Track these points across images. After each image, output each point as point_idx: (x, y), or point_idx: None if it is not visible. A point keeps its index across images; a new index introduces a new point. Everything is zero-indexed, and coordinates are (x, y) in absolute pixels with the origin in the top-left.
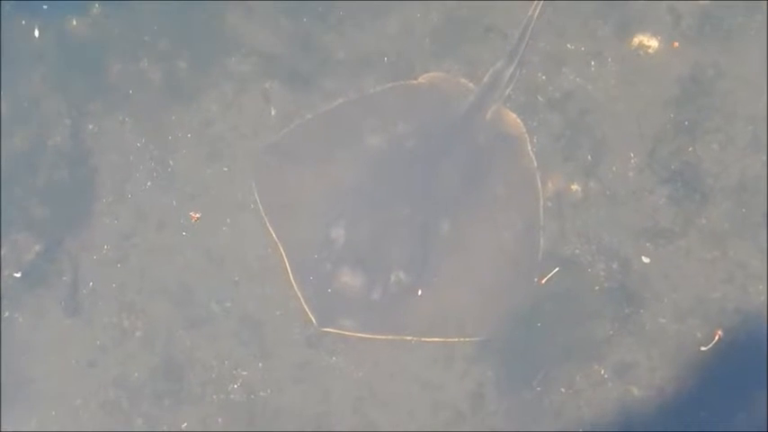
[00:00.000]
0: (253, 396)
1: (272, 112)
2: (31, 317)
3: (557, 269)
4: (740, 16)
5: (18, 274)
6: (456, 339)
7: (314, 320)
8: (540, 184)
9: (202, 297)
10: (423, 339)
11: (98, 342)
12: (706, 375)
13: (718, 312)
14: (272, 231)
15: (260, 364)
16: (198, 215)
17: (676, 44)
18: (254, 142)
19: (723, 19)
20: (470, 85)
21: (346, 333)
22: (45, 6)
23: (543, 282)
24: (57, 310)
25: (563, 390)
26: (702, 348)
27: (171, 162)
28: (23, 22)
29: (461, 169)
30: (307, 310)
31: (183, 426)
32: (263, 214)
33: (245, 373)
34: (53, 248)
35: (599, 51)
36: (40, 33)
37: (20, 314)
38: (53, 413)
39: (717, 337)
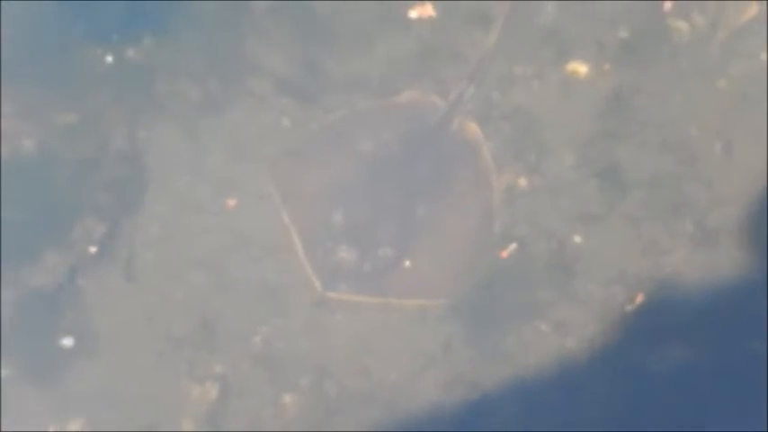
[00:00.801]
0: (271, 346)
1: (286, 123)
2: (97, 283)
3: (514, 245)
4: (651, 46)
5: (94, 249)
6: (429, 302)
7: (318, 286)
8: (495, 180)
9: (230, 269)
10: (403, 302)
11: (149, 303)
12: (626, 330)
13: (635, 280)
14: (285, 217)
15: (276, 321)
16: (233, 202)
17: (607, 66)
18: (271, 146)
19: (638, 47)
20: (440, 102)
21: (344, 296)
22: (114, 37)
23: (505, 255)
24: (117, 278)
25: (514, 341)
26: (627, 308)
27: (205, 161)
28: (95, 50)
29: (434, 168)
30: (313, 278)
31: (217, 369)
32: (279, 203)
33: (264, 328)
34: (114, 229)
35: (541, 74)
36: (102, 64)
37: (89, 281)
38: (115, 359)
39: (638, 299)
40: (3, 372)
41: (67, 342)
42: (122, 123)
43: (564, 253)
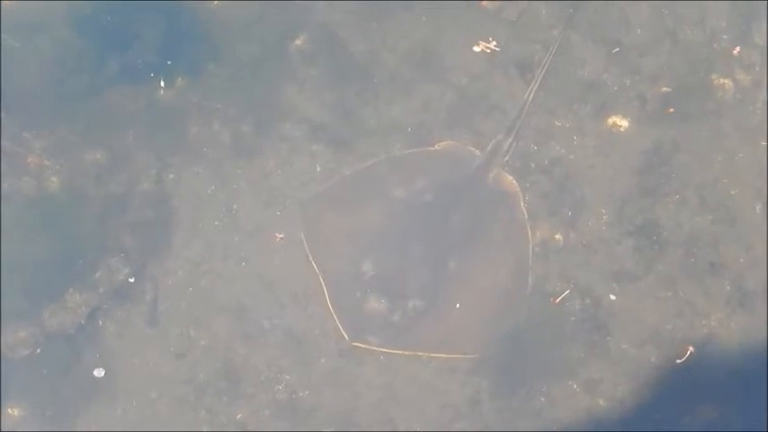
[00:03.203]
0: (294, 395)
1: (318, 169)
2: (119, 326)
3: (568, 291)
4: (693, 102)
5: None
6: (458, 356)
7: (345, 336)
8: (529, 233)
9: (256, 315)
10: (432, 355)
11: (171, 348)
12: (659, 391)
13: (669, 341)
14: (314, 264)
15: (301, 370)
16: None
17: (672, 110)
18: (302, 192)
19: (680, 104)
20: (477, 152)
21: (371, 347)
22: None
23: (557, 301)
24: (140, 321)
25: (543, 399)
26: (678, 361)
27: (235, 206)
28: (127, 89)
29: (467, 219)
30: (340, 327)
31: (238, 417)
32: (308, 250)
33: (288, 377)
34: (139, 272)
35: (580, 128)
36: (133, 104)
37: (111, 323)
38: (134, 403)
39: (688, 352)
40: (15, 411)
41: (98, 373)
42: (151, 164)
43: (598, 311)
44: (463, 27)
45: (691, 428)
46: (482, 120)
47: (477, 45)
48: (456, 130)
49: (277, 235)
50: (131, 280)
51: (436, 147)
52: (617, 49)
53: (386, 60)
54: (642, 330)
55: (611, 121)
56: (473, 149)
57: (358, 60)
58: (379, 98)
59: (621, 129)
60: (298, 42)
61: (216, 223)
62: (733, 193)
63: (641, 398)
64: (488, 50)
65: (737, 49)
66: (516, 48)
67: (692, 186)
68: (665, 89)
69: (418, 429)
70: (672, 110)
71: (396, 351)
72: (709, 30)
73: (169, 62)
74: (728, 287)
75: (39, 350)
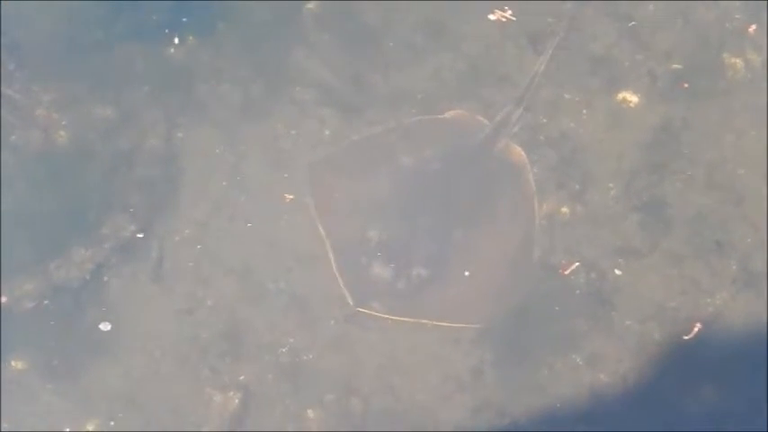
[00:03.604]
0: (297, 359)
1: (327, 133)
2: (124, 282)
3: (578, 263)
4: (705, 79)
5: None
6: (463, 325)
7: (350, 301)
8: (536, 206)
9: (261, 277)
10: (436, 323)
11: (176, 307)
12: (661, 368)
13: (672, 318)
14: (320, 228)
15: (304, 334)
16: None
17: (686, 85)
18: (310, 156)
19: (691, 82)
20: (485, 122)
21: (375, 314)
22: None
23: (567, 272)
24: (145, 279)
25: (546, 372)
26: (685, 337)
27: (242, 167)
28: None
29: (474, 189)
30: (345, 292)
31: (241, 378)
32: (314, 214)
33: (291, 340)
34: (145, 229)
35: (590, 102)
36: (143, 60)
37: (116, 280)
38: (137, 360)
39: (696, 329)
40: (19, 364)
41: (104, 327)
42: (160, 122)
43: (602, 285)
44: None
45: (691, 409)
46: (492, 90)
47: (493, 13)
48: (466, 99)
49: (286, 196)
50: (140, 236)
51: (445, 115)
52: (633, 23)
53: (398, 27)
54: (646, 307)
55: (621, 96)
56: (482, 119)
57: (370, 26)
58: (389, 65)
59: (631, 104)
60: (310, 6)
61: (223, 183)
62: (741, 172)
63: (643, 375)
64: (504, 19)
65: (753, 26)
66: (528, 19)
67: (701, 164)
68: (675, 66)
69: (420, 398)
70: (686, 84)
71: (400, 318)
72: (722, 8)
73: (184, 19)
74: (734, 267)
75: (45, 302)
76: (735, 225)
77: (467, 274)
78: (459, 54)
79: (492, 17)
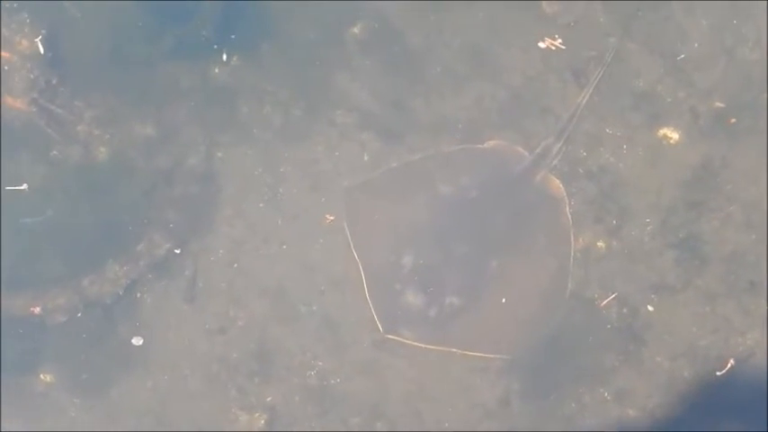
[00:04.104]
0: (325, 382)
1: (366, 158)
2: (157, 299)
3: (614, 295)
4: (746, 119)
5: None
6: (492, 355)
7: (380, 328)
8: (572, 239)
9: (294, 299)
10: (465, 352)
11: (207, 326)
12: (690, 406)
13: (703, 356)
14: (354, 252)
15: (334, 357)
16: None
17: (733, 120)
18: (349, 180)
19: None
20: (525, 153)
21: (405, 341)
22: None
23: (603, 304)
24: (178, 296)
25: (573, 404)
26: (718, 373)
27: (280, 189)
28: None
29: (511, 220)
30: (376, 318)
31: (268, 399)
32: (350, 238)
33: (320, 363)
34: (180, 247)
35: (631, 137)
36: (187, 78)
37: (149, 296)
38: (165, 377)
39: (730, 365)
40: (47, 377)
41: (137, 341)
42: (201, 141)
43: (634, 321)
44: (520, 27)
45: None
46: (533, 121)
47: (543, 41)
48: (506, 129)
49: (328, 216)
50: (177, 251)
51: (485, 145)
52: (681, 56)
53: (441, 54)
54: (677, 343)
55: (662, 132)
56: (522, 150)
57: (413, 52)
58: (431, 92)
59: (672, 141)
60: (355, 30)
61: (260, 205)
62: None
63: (671, 411)
64: (553, 47)
65: None
66: (572, 52)
67: (739, 203)
68: (718, 104)
69: (446, 425)
70: (733, 120)
71: (429, 346)
72: (765, 49)
73: (233, 36)
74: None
75: (77, 316)
76: None
77: (504, 300)
78: (502, 83)
79: (542, 45)
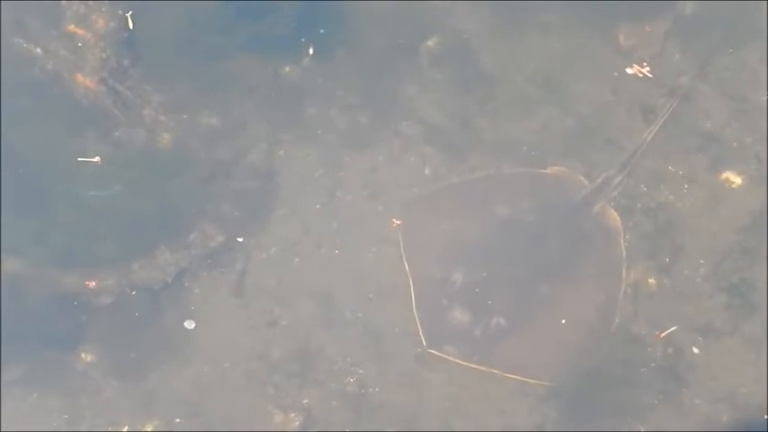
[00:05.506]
0: (363, 390)
1: (427, 171)
2: (204, 290)
3: (675, 327)
4: None
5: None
6: (533, 381)
7: (424, 342)
8: (624, 272)
9: (340, 305)
10: (506, 375)
11: (251, 322)
12: None
13: (743, 404)
14: (406, 265)
15: (375, 366)
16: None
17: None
18: (407, 192)
19: None
20: (586, 182)
21: (448, 357)
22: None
23: (662, 336)
24: (225, 290)
25: None
26: (765, 417)
27: (338, 193)
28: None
29: (565, 247)
30: (420, 332)
31: (305, 401)
32: (402, 250)
33: (361, 371)
34: (232, 241)
35: (693, 177)
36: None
37: (197, 286)
38: (205, 369)
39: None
40: (88, 357)
41: (189, 325)
42: (263, 138)
43: (678, 361)
44: (594, 58)
45: None
46: (597, 152)
47: (631, 67)
48: (570, 157)
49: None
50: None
51: (547, 170)
52: (752, 102)
53: (512, 77)
54: (718, 388)
55: (724, 175)
56: (583, 179)
57: (485, 71)
58: (499, 113)
59: (734, 185)
60: (429, 44)
61: (317, 207)
62: None
63: None
64: (641, 75)
65: None
66: (644, 88)
67: None
68: None
69: None
70: None
71: (471, 365)
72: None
73: (322, 30)
74: None
75: (124, 299)
76: None
77: (550, 327)
78: (570, 111)
79: (629, 71)
